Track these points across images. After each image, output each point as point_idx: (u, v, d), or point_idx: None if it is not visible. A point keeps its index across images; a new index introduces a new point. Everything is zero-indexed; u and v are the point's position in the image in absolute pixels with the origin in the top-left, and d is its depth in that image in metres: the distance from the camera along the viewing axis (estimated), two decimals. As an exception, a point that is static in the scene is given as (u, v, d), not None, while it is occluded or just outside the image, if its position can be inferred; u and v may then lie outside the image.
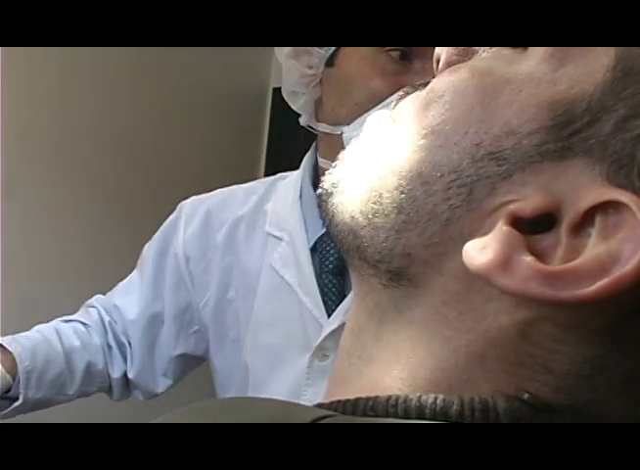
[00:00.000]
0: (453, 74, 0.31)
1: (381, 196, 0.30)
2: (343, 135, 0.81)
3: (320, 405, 0.30)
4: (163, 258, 0.94)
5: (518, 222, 0.26)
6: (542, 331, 0.26)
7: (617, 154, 0.25)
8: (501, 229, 0.26)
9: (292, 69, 0.86)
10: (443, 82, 0.31)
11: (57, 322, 0.94)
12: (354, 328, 0.32)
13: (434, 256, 0.28)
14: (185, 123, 2.03)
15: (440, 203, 0.28)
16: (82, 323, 0.94)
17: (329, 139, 0.86)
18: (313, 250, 0.86)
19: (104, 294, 1.00)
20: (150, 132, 1.94)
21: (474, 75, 0.30)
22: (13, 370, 0.82)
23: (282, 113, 2.38)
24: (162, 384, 0.96)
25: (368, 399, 0.28)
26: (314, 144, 0.93)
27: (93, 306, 0.97)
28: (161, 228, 0.97)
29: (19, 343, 0.84)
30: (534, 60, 0.29)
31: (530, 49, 0.29)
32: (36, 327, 0.92)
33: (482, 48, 0.32)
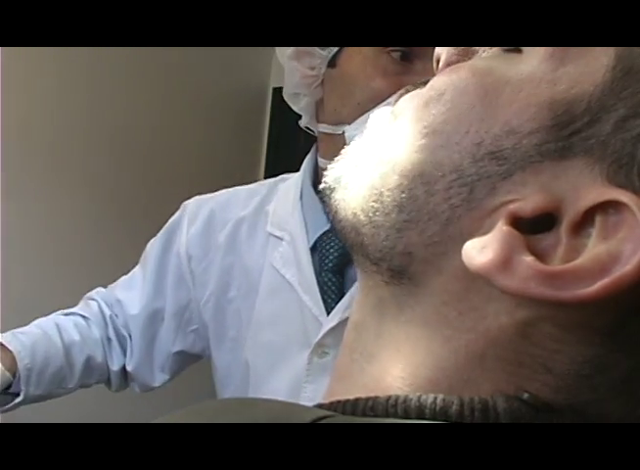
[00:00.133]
0: (454, 73, 0.31)
1: (381, 194, 0.30)
2: (346, 134, 0.82)
3: (320, 406, 0.30)
4: (166, 255, 0.96)
5: (518, 222, 0.26)
6: (542, 331, 0.26)
7: (616, 153, 0.25)
8: (501, 229, 0.26)
9: (293, 70, 0.87)
10: (444, 81, 0.31)
11: (57, 316, 0.95)
12: (357, 324, 0.32)
13: (434, 255, 0.28)
14: (185, 123, 2.03)
15: (441, 202, 0.28)
16: (82, 316, 0.95)
17: (330, 139, 0.86)
18: (313, 249, 0.87)
19: (102, 292, 1.01)
20: (149, 132, 1.94)
21: (474, 75, 0.30)
22: (13, 368, 0.83)
23: (282, 113, 2.38)
24: (159, 378, 0.97)
25: (368, 399, 0.28)
26: (314, 145, 0.94)
27: (93, 299, 0.98)
28: (165, 226, 0.99)
29: (18, 340, 0.85)
30: (535, 60, 0.29)
31: (530, 49, 0.29)
32: (36, 321, 0.93)
33: (482, 48, 0.32)
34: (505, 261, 0.25)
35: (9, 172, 1.57)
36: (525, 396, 0.26)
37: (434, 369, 0.28)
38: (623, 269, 0.24)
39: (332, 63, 0.85)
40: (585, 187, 0.26)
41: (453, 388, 0.27)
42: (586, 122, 0.26)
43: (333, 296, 0.84)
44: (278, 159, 2.28)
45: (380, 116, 0.35)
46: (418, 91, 0.33)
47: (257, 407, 0.28)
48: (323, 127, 0.88)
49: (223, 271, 0.92)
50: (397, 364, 0.29)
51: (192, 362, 1.02)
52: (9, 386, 0.83)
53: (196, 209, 0.96)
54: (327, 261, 0.86)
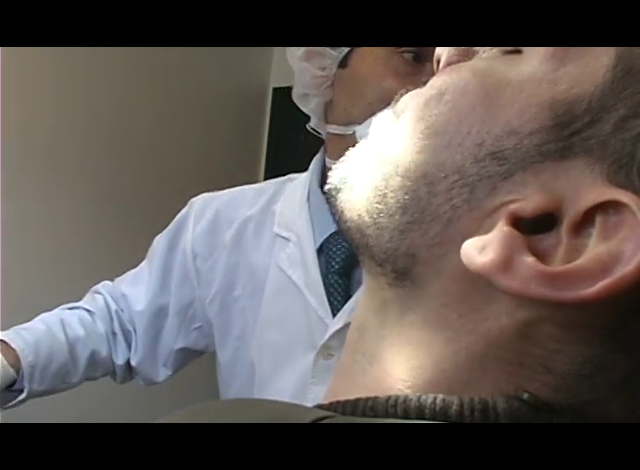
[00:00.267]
0: (454, 73, 0.31)
1: (385, 196, 0.30)
2: (357, 134, 0.82)
3: (320, 406, 0.30)
4: (172, 252, 0.96)
5: (518, 222, 0.26)
6: (543, 331, 0.26)
7: (617, 153, 0.25)
8: (502, 229, 0.26)
9: (304, 71, 0.87)
10: (444, 80, 0.31)
11: (61, 310, 0.95)
12: (360, 325, 0.32)
13: (434, 257, 0.28)
14: (184, 123, 2.03)
15: (443, 203, 0.28)
16: (87, 311, 0.96)
17: (339, 140, 0.87)
18: (320, 250, 0.87)
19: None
20: (149, 132, 1.94)
21: (475, 76, 0.30)
22: (17, 364, 0.83)
23: (282, 113, 2.38)
24: (163, 374, 0.98)
25: (367, 399, 0.28)
26: (323, 146, 0.94)
27: (99, 293, 0.98)
28: (172, 223, 0.99)
29: (21, 337, 0.85)
30: (535, 60, 0.29)
31: (531, 49, 0.29)
32: (40, 316, 0.93)
33: (483, 48, 0.32)
34: (506, 262, 0.25)
35: (9, 172, 1.57)
36: (525, 396, 0.26)
37: (435, 371, 0.28)
38: (625, 269, 0.24)
39: (343, 63, 0.85)
40: (586, 187, 0.26)
41: (453, 389, 0.27)
42: (587, 122, 0.26)
43: (339, 298, 0.85)
44: (278, 159, 2.28)
45: (382, 116, 0.35)
46: (418, 91, 0.33)
47: (258, 408, 0.28)
48: (332, 128, 0.88)
49: (228, 270, 0.92)
50: (398, 366, 0.29)
51: (195, 357, 1.02)
52: (13, 383, 0.84)
53: (202, 206, 0.96)
54: (333, 264, 0.86)
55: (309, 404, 0.30)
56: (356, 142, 0.35)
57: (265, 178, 2.42)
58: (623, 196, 0.24)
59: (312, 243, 0.87)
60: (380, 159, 0.32)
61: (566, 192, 0.26)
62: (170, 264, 0.96)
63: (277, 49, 2.32)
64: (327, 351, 0.82)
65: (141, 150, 1.92)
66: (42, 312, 0.95)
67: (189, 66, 1.99)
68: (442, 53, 0.34)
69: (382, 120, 0.34)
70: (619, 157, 0.25)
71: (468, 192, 0.28)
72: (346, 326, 0.80)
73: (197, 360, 1.04)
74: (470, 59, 0.33)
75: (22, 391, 0.85)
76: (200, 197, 0.99)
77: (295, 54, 0.87)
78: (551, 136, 0.27)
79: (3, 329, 0.87)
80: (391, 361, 0.29)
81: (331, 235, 0.86)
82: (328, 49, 0.85)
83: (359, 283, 0.83)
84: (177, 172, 1.96)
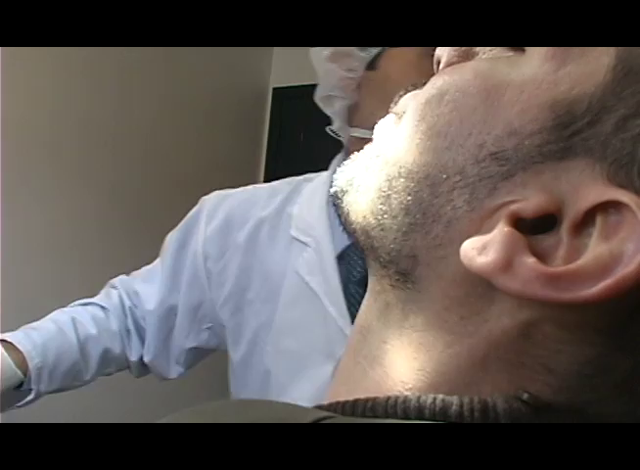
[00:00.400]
0: (455, 74, 0.31)
1: (389, 197, 0.30)
2: None
3: (319, 407, 0.30)
4: (183, 251, 0.95)
5: (519, 223, 0.26)
6: (544, 331, 0.26)
7: (617, 153, 0.25)
8: (502, 230, 0.26)
9: (330, 72, 0.85)
10: (445, 80, 0.31)
11: (75, 308, 0.95)
12: (363, 327, 0.32)
13: (435, 259, 0.28)
14: (184, 124, 2.03)
15: (445, 204, 0.28)
16: (101, 307, 0.95)
17: (362, 144, 0.85)
18: (341, 258, 0.85)
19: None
20: (149, 132, 1.94)
21: (476, 76, 0.30)
22: (24, 366, 0.83)
23: (282, 113, 2.39)
24: (175, 371, 0.98)
25: (367, 400, 0.28)
26: (344, 149, 0.91)
27: (115, 288, 0.98)
28: (183, 221, 0.97)
29: (29, 338, 0.85)
30: (536, 61, 0.29)
31: (531, 50, 0.29)
32: (52, 314, 0.93)
33: (483, 49, 0.32)
34: (506, 262, 0.25)
35: (9, 172, 1.57)
36: (525, 396, 0.26)
37: (436, 374, 0.28)
38: (626, 270, 0.24)
39: (371, 65, 0.83)
40: (586, 187, 0.25)
41: (454, 391, 0.27)
42: (587, 123, 0.26)
43: (358, 307, 0.83)
44: (278, 158, 2.28)
45: (386, 119, 0.35)
46: (418, 91, 0.33)
47: (258, 408, 0.28)
48: (356, 131, 0.86)
49: (242, 272, 0.91)
50: (399, 369, 0.29)
51: (208, 354, 1.02)
52: (21, 384, 0.83)
53: (214, 206, 0.94)
54: (354, 273, 0.84)
55: None
56: None
57: (265, 178, 2.42)
58: (624, 196, 0.24)
59: (331, 250, 0.85)
60: (383, 160, 0.32)
61: (566, 192, 0.26)
62: (181, 264, 0.95)
63: (277, 49, 2.32)
64: None
65: (141, 150, 1.92)
66: (43, 313, 0.95)
67: (189, 66, 1.99)
68: (443, 53, 0.34)
69: (384, 122, 0.34)
70: (620, 157, 0.25)
71: (468, 193, 0.28)
72: None
73: (208, 359, 1.04)
74: (470, 59, 0.32)
75: (30, 391, 0.84)
76: (212, 195, 0.97)
77: (320, 55, 0.85)
78: (552, 137, 0.27)
79: (8, 329, 0.87)
80: (392, 364, 0.29)
81: (352, 243, 0.85)
82: (356, 50, 0.82)
83: None
84: (177, 172, 1.96)
